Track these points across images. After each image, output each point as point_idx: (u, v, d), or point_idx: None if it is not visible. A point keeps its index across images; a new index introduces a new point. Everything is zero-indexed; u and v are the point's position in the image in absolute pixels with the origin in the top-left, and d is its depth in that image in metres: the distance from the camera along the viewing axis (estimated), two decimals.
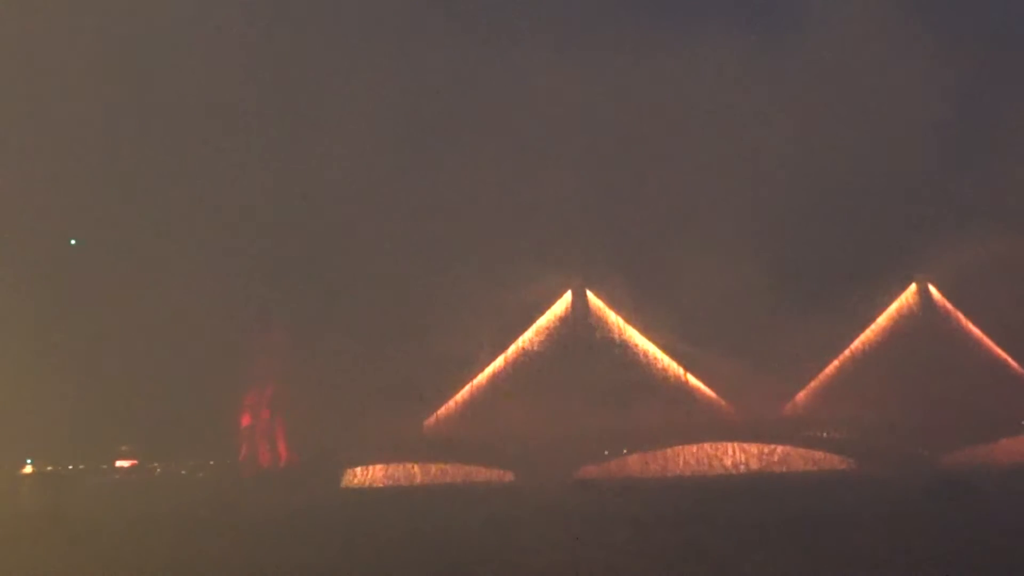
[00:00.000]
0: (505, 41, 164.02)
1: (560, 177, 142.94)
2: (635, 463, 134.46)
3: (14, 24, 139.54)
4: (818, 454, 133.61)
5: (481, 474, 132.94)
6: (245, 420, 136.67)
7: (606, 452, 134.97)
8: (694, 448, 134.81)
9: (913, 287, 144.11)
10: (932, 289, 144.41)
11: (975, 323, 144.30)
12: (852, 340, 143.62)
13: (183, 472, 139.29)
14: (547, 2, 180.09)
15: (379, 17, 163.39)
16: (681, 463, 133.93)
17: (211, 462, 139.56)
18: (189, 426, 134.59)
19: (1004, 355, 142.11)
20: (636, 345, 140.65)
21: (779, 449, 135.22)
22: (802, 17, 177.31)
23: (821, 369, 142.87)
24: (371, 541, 54.97)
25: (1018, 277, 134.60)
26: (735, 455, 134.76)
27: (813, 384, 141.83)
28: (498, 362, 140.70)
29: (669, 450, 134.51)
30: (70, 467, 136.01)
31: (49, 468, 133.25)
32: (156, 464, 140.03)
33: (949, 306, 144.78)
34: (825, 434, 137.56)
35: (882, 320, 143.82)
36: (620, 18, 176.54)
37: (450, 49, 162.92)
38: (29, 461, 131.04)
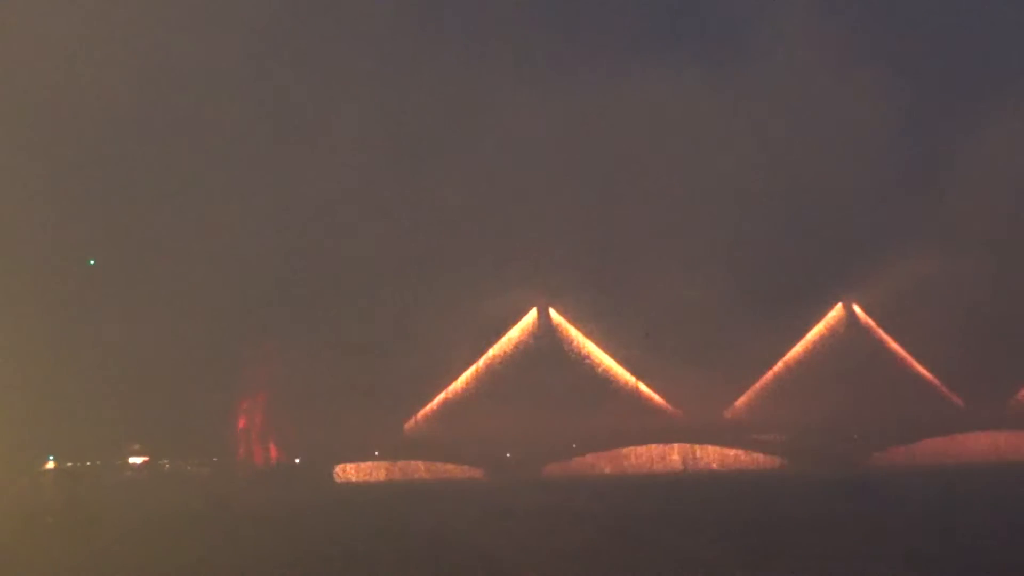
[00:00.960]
0: (481, 72, 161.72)
1: (527, 208, 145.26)
2: (593, 462, 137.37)
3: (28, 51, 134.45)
4: (756, 455, 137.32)
5: (454, 471, 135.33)
6: (242, 423, 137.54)
7: (568, 452, 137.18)
8: (644, 449, 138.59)
9: (839, 306, 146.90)
10: (856, 308, 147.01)
11: (893, 339, 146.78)
12: (786, 353, 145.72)
13: (189, 468, 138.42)
14: (518, 33, 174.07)
15: (362, 44, 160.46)
16: (633, 462, 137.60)
17: (215, 459, 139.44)
18: (195, 428, 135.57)
19: (918, 367, 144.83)
20: (593, 356, 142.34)
21: (720, 450, 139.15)
22: (749, 48, 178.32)
23: (758, 378, 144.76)
24: (355, 532, 54.43)
25: (931, 298, 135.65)
26: (682, 455, 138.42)
27: (751, 392, 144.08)
28: (470, 371, 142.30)
29: (623, 450, 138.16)
30: (88, 463, 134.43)
31: (69, 464, 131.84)
32: (165, 461, 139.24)
33: (871, 323, 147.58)
34: (761, 436, 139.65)
35: (812, 335, 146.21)
36: (586, 47, 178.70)
37: (429, 76, 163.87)
38: (51, 458, 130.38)
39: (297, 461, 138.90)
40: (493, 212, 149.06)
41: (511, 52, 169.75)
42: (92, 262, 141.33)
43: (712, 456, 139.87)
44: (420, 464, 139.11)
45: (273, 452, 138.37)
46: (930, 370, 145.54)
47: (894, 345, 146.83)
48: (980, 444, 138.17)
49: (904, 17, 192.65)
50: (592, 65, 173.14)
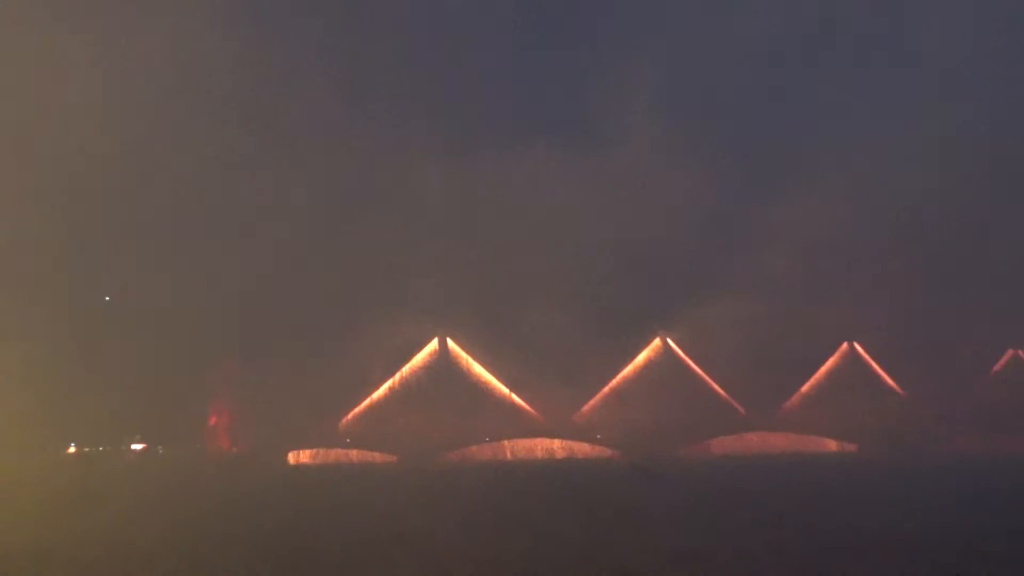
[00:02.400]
0: (401, 153, 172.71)
1: (433, 264, 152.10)
2: (477, 451, 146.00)
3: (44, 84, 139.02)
4: (596, 447, 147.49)
5: (376, 457, 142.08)
6: (216, 419, 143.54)
7: (460, 444, 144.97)
8: (515, 442, 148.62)
9: (657, 340, 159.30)
10: (669, 340, 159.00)
11: (694, 363, 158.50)
12: (620, 372, 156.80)
13: (178, 453, 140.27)
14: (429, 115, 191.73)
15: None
16: (508, 452, 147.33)
17: (197, 446, 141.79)
18: (181, 422, 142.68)
19: (712, 383, 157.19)
20: (479, 374, 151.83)
21: (569, 443, 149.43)
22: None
23: (599, 390, 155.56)
24: (300, 505, 57.18)
25: (720, 334, 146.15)
26: (542, 447, 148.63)
27: (594, 400, 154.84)
28: (389, 383, 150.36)
29: (501, 443, 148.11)
30: (99, 448, 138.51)
31: (85, 449, 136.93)
32: (159, 447, 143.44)
33: (679, 351, 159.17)
34: (599, 435, 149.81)
35: (639, 360, 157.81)
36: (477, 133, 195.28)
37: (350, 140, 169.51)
38: (72, 444, 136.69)
39: (253, 449, 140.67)
40: (408, 268, 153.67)
41: (424, 132, 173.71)
42: (108, 298, 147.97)
43: (564, 448, 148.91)
44: (350, 452, 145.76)
45: (239, 442, 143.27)
46: (720, 386, 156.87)
47: (695, 367, 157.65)
48: (756, 440, 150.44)
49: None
50: (480, 150, 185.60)
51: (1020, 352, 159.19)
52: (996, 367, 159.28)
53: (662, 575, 26.21)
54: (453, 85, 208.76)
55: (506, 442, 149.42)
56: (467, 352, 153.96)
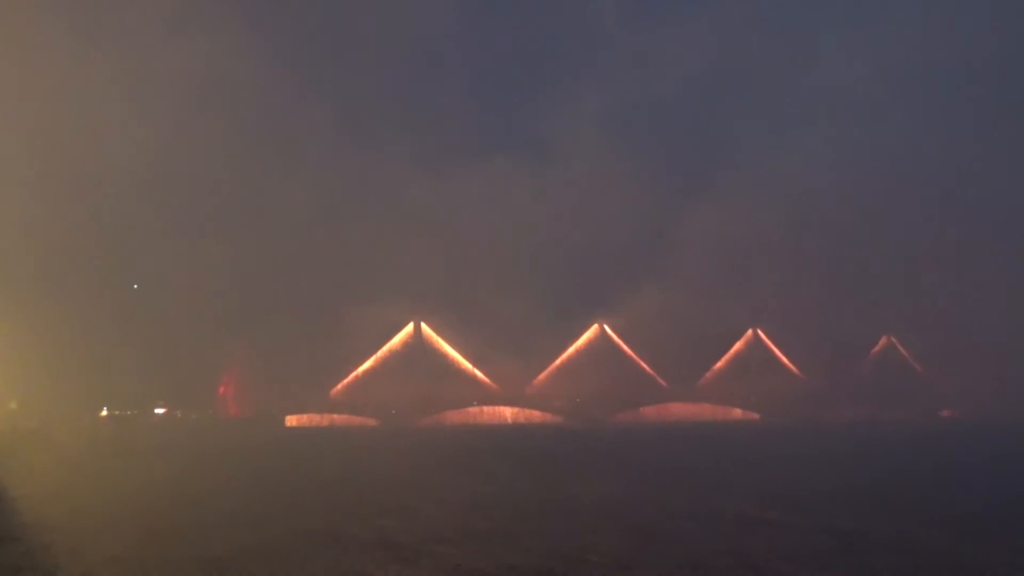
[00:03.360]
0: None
1: (407, 258, 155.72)
2: (447, 416, 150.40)
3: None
4: (545, 414, 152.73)
5: (361, 420, 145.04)
6: (222, 389, 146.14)
7: (432, 410, 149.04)
8: (482, 408, 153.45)
9: (595, 325, 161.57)
10: (606, 327, 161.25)
11: (626, 345, 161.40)
12: (565, 351, 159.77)
13: (193, 416, 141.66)
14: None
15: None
16: (473, 417, 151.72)
17: (210, 411, 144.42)
18: (197, 390, 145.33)
19: (641, 362, 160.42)
20: (448, 352, 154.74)
21: (522, 410, 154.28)
22: None
23: (548, 366, 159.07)
24: (296, 456, 59.15)
25: (648, 322, 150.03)
26: (500, 413, 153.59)
27: (544, 374, 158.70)
28: (372, 359, 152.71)
29: (466, 409, 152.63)
30: (128, 412, 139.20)
31: (116, 413, 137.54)
32: (178, 411, 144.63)
33: (615, 336, 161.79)
34: (551, 402, 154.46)
35: (579, 343, 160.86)
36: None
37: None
38: (105, 408, 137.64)
39: (258, 413, 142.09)
40: (389, 262, 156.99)
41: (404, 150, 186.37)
42: (136, 286, 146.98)
43: (518, 414, 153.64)
44: (340, 416, 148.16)
45: (244, 407, 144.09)
46: (647, 363, 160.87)
47: (626, 348, 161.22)
48: (676, 409, 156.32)
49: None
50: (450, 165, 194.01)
51: (892, 337, 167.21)
52: (874, 350, 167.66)
53: (558, 501, 29.48)
54: (428, 112, 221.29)
55: (470, 409, 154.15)
56: (438, 333, 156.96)
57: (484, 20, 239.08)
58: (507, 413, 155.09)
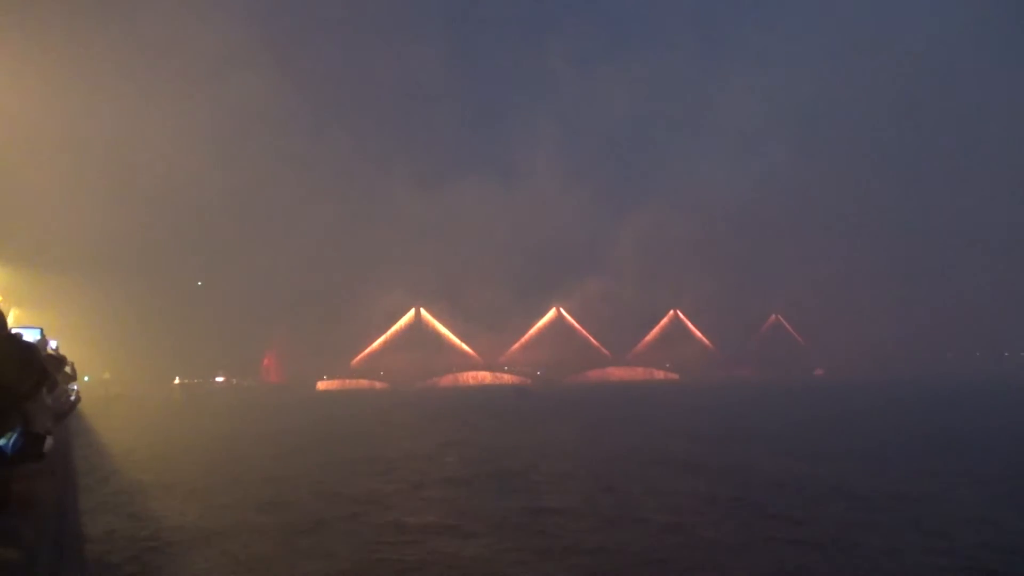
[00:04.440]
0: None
1: (410, 256, 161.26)
2: (445, 380, 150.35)
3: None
4: (515, 377, 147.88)
5: (375, 385, 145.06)
6: (265, 361, 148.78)
7: (431, 375, 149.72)
8: (468, 374, 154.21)
9: (554, 309, 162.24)
10: (563, 310, 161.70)
11: (578, 322, 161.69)
12: (530, 329, 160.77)
13: (245, 383, 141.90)
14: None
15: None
16: (461, 380, 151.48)
17: (257, 378, 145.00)
18: (248, 362, 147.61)
19: (588, 336, 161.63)
20: (441, 331, 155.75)
21: (497, 375, 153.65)
22: None
23: (517, 340, 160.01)
24: (323, 414, 54.98)
25: (596, 305, 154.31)
26: (480, 377, 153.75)
27: (517, 345, 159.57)
28: (384, 336, 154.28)
29: (455, 375, 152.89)
30: (195, 380, 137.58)
31: (185, 381, 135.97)
32: (234, 379, 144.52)
33: (569, 317, 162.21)
34: (521, 367, 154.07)
35: (542, 321, 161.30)
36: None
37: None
38: (177, 377, 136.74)
39: (292, 379, 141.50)
40: (396, 260, 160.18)
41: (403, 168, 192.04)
42: (200, 283, 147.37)
43: (494, 378, 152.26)
44: (359, 381, 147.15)
45: (283, 375, 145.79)
46: (593, 337, 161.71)
47: (577, 325, 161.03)
48: (616, 372, 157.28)
49: None
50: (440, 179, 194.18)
51: (779, 316, 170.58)
52: (764, 327, 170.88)
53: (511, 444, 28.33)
54: (422, 138, 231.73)
55: (459, 374, 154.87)
56: (434, 316, 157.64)
57: (464, 68, 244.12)
58: (486, 377, 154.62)
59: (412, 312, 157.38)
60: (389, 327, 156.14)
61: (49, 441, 3.21)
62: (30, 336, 11.81)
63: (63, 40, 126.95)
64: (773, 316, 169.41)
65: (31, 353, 3.36)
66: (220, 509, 15.22)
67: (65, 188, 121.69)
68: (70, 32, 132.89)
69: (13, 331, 4.91)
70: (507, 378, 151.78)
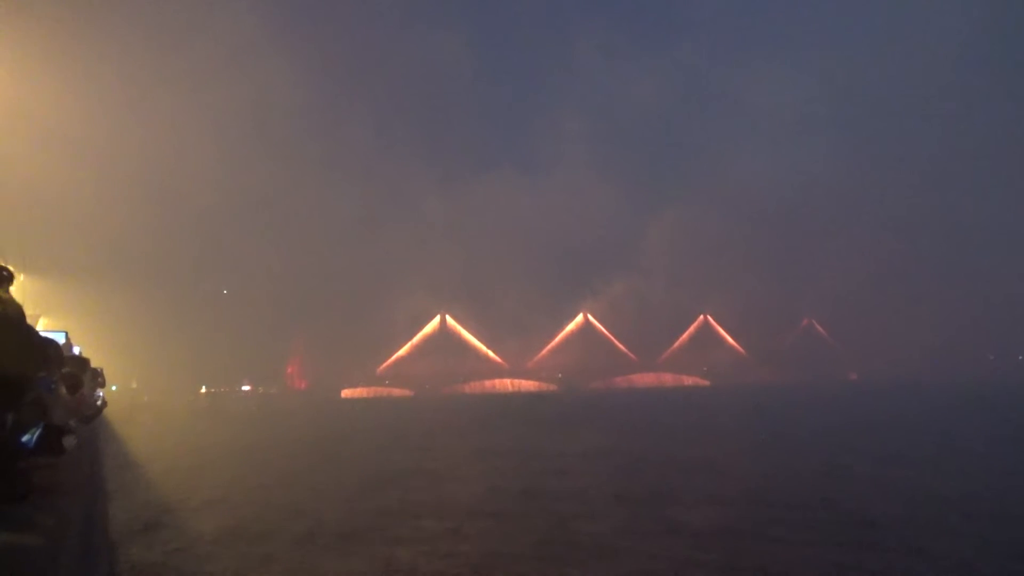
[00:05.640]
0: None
1: (435, 261, 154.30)
2: (469, 387, 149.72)
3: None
4: (541, 384, 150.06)
5: (400, 392, 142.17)
6: (290, 369, 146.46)
7: (455, 381, 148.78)
8: (491, 381, 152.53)
9: (581, 315, 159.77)
10: (589, 315, 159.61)
11: (605, 327, 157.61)
12: (556, 335, 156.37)
13: (271, 391, 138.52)
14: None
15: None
16: (485, 387, 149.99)
17: (282, 386, 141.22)
18: (273, 370, 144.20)
19: (616, 342, 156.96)
20: (467, 337, 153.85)
21: (523, 381, 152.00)
22: None
23: (546, 345, 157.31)
24: (349, 419, 55.81)
25: (626, 310, 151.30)
26: (504, 386, 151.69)
27: (544, 351, 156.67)
28: (410, 343, 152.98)
29: (481, 381, 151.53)
30: (222, 389, 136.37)
31: (212, 390, 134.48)
32: (260, 388, 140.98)
33: (597, 323, 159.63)
34: (548, 373, 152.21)
35: (570, 327, 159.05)
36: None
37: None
38: (204, 386, 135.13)
39: (315, 385, 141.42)
40: (421, 264, 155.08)
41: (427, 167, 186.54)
42: (225, 291, 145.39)
43: (524, 384, 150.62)
44: (383, 388, 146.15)
45: (308, 382, 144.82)
46: (620, 342, 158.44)
47: (604, 331, 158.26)
48: (643, 378, 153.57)
49: None
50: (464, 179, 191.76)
51: (813, 321, 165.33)
52: (798, 330, 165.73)
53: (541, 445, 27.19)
54: (445, 135, 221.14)
55: (485, 381, 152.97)
56: (459, 322, 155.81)
57: (490, 61, 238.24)
58: (512, 384, 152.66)
59: (437, 320, 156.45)
60: (414, 332, 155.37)
61: (72, 440, 3.17)
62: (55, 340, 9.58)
63: (85, 44, 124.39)
64: (805, 320, 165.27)
65: (29, 336, 3.30)
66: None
67: (94, 197, 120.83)
68: (93, 35, 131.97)
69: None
70: (533, 385, 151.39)
